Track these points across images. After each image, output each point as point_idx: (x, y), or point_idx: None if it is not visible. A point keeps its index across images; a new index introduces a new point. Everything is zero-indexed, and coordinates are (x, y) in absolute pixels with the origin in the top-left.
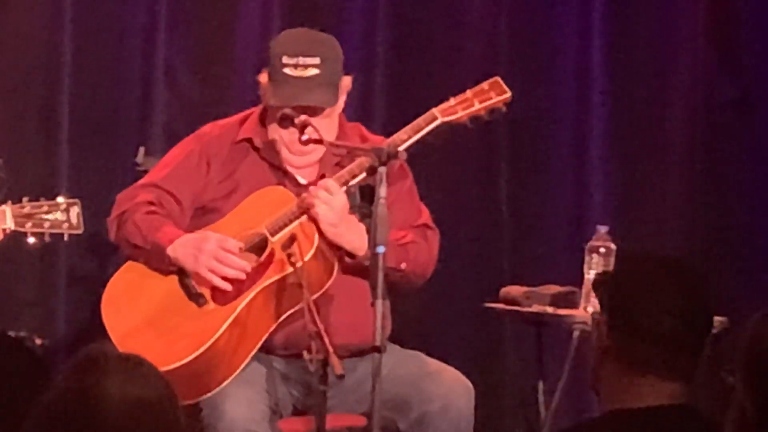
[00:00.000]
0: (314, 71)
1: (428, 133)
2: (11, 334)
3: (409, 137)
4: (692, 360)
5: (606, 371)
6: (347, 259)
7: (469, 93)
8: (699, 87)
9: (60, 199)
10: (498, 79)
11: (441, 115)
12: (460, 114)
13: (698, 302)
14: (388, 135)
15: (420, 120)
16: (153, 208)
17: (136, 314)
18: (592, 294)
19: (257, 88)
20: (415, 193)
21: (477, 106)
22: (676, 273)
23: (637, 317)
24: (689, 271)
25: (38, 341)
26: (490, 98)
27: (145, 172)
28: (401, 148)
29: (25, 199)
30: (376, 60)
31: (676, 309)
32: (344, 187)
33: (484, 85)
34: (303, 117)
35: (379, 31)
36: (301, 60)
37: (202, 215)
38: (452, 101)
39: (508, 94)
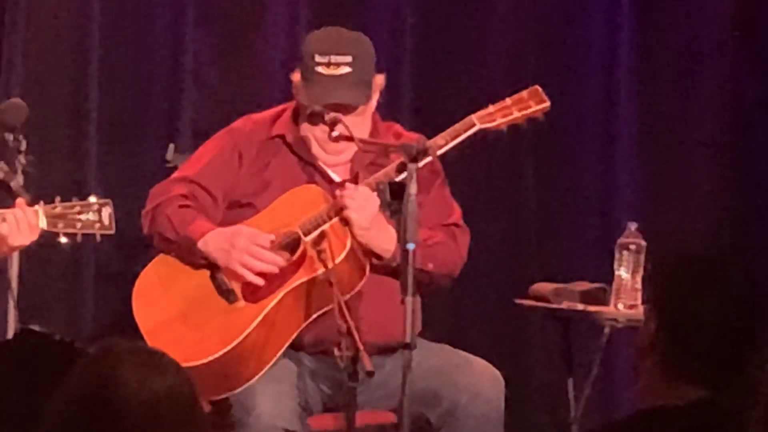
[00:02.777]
0: (346, 69)
1: (465, 140)
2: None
3: (447, 142)
4: (731, 377)
5: (646, 367)
6: (374, 260)
7: (508, 101)
8: (726, 84)
9: (92, 199)
10: (537, 88)
11: (479, 122)
12: (499, 121)
13: (754, 321)
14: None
15: (458, 126)
16: (186, 201)
17: (166, 308)
18: (622, 291)
19: (285, 84)
20: (447, 190)
21: (516, 114)
22: (736, 287)
23: (685, 330)
24: (750, 286)
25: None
26: (530, 107)
27: (175, 168)
28: (439, 153)
29: (57, 199)
30: (403, 58)
31: (728, 327)
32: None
33: (524, 93)
34: (332, 114)
35: (406, 30)
36: (333, 58)
37: (235, 210)
38: (491, 108)
39: (547, 104)
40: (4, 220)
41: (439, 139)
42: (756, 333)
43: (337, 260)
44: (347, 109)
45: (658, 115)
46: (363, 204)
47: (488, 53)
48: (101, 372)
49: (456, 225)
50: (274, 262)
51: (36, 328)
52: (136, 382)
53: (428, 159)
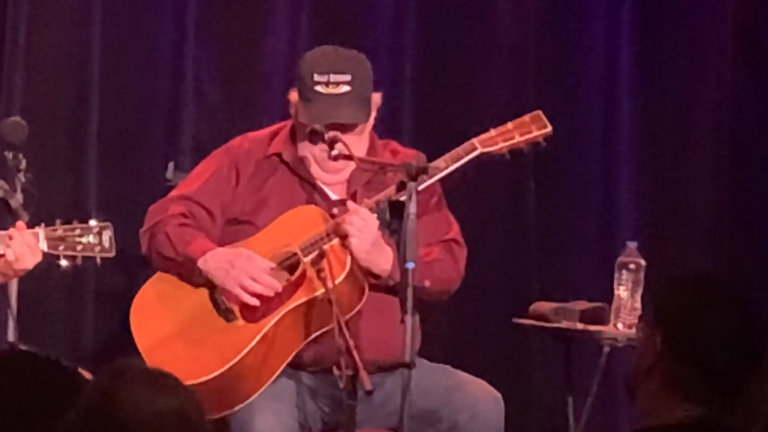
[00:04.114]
0: (346, 88)
1: (466, 163)
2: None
3: (448, 166)
4: (735, 395)
5: (647, 385)
6: (371, 280)
7: (510, 125)
8: (726, 103)
9: (92, 222)
10: (539, 112)
11: (481, 145)
12: (500, 145)
13: (756, 342)
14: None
15: (459, 149)
16: (185, 220)
17: (164, 325)
18: (622, 310)
19: (285, 102)
20: (444, 206)
21: (517, 138)
22: (741, 308)
23: (694, 348)
24: (752, 307)
25: (87, 375)
26: (531, 132)
27: (175, 186)
28: (439, 176)
29: (57, 221)
30: (403, 77)
31: (733, 347)
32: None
33: (526, 117)
34: (332, 133)
35: (407, 48)
36: (333, 77)
37: (234, 226)
38: (493, 132)
39: (549, 129)
40: (8, 246)
41: (440, 162)
42: (759, 352)
43: (337, 281)
44: (347, 127)
45: (658, 135)
46: (363, 228)
47: (488, 73)
48: (108, 389)
49: (454, 241)
50: (272, 285)
51: (23, 347)
52: (141, 400)
53: (429, 182)
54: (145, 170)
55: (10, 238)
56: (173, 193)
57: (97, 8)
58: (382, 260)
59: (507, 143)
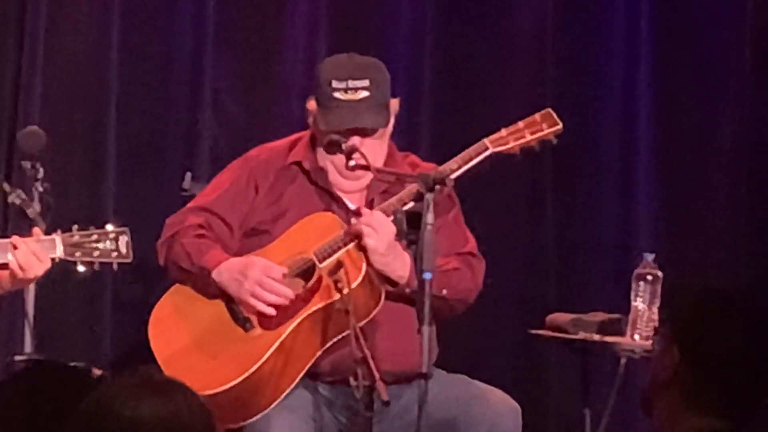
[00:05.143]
0: (364, 93)
1: (479, 164)
2: (73, 364)
3: (459, 167)
4: (751, 408)
5: (664, 399)
6: (388, 287)
7: (520, 124)
8: (744, 114)
9: (109, 228)
10: (550, 110)
11: (492, 145)
12: (511, 145)
13: None
14: (435, 161)
15: (470, 150)
16: (202, 231)
17: (182, 336)
18: (639, 322)
19: (303, 113)
20: (462, 220)
21: (528, 137)
22: (757, 321)
23: (710, 361)
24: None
25: (97, 372)
26: (542, 130)
27: (192, 196)
28: (453, 176)
29: (74, 227)
30: (422, 86)
31: (750, 360)
32: (392, 215)
33: (536, 116)
34: (350, 143)
35: (424, 58)
36: (351, 83)
37: (252, 237)
38: (503, 132)
39: (560, 126)
40: (13, 255)
41: (452, 163)
42: None
43: (353, 285)
44: (367, 132)
45: (676, 146)
46: (379, 230)
47: (506, 83)
48: (108, 392)
49: (470, 254)
50: (285, 294)
51: (41, 357)
52: (125, 405)
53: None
54: (162, 180)
55: (15, 247)
56: (191, 204)
57: (116, 18)
58: (398, 265)
59: (518, 142)
